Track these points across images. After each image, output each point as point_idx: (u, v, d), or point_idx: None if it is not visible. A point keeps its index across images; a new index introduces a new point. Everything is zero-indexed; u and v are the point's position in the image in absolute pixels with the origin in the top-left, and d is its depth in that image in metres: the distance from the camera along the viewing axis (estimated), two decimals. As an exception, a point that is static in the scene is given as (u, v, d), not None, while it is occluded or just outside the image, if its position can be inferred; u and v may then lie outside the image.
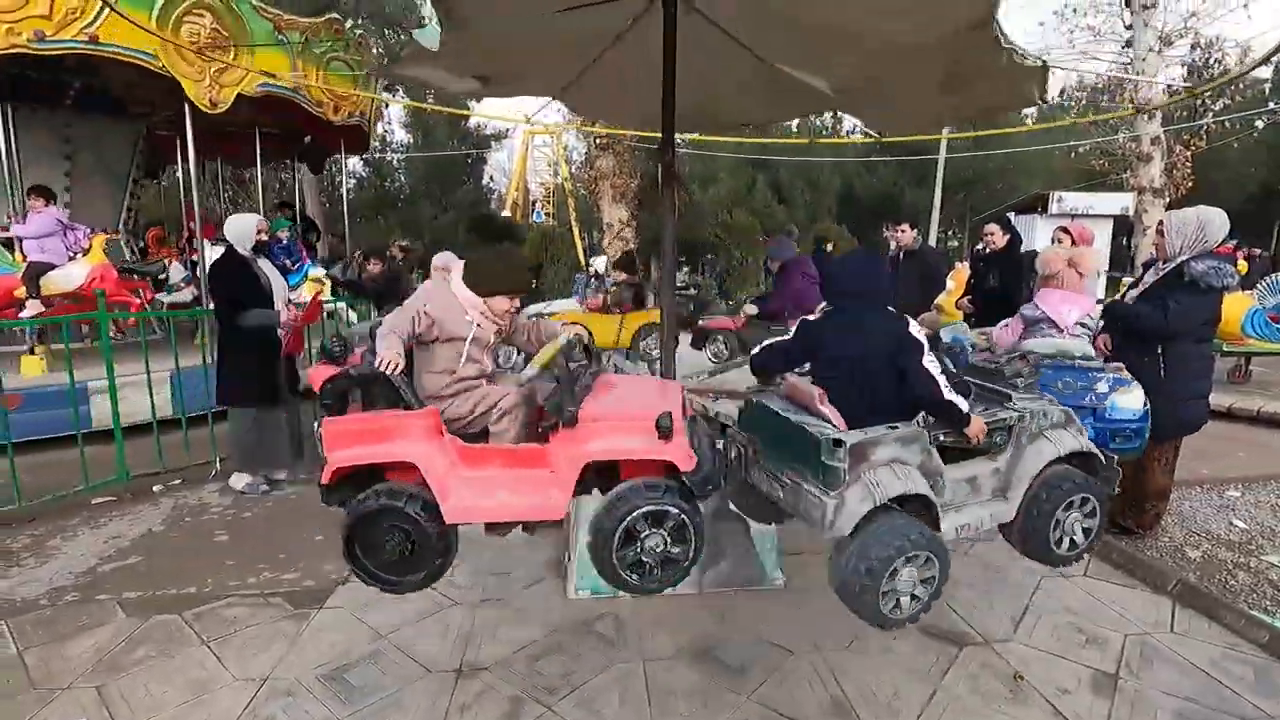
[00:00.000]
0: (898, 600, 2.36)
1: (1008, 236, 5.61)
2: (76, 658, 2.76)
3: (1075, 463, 2.68)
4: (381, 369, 2.31)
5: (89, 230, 6.60)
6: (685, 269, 23.84)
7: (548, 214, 22.44)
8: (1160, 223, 3.58)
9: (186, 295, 7.91)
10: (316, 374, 2.45)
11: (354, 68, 7.75)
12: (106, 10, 5.41)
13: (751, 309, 8.20)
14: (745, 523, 3.22)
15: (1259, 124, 24.96)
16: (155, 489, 4.55)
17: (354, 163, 24.77)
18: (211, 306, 4.49)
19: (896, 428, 2.44)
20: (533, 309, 9.62)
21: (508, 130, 25.18)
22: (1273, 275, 7.95)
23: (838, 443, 2.32)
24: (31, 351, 5.99)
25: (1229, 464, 5.05)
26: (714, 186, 24.73)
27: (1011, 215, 13.88)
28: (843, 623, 2.98)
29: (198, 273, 7.46)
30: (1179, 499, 4.24)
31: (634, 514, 2.30)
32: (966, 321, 5.33)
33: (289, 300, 4.54)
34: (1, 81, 6.29)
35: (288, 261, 7.91)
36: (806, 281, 7.97)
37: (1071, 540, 2.67)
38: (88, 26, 5.45)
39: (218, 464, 4.82)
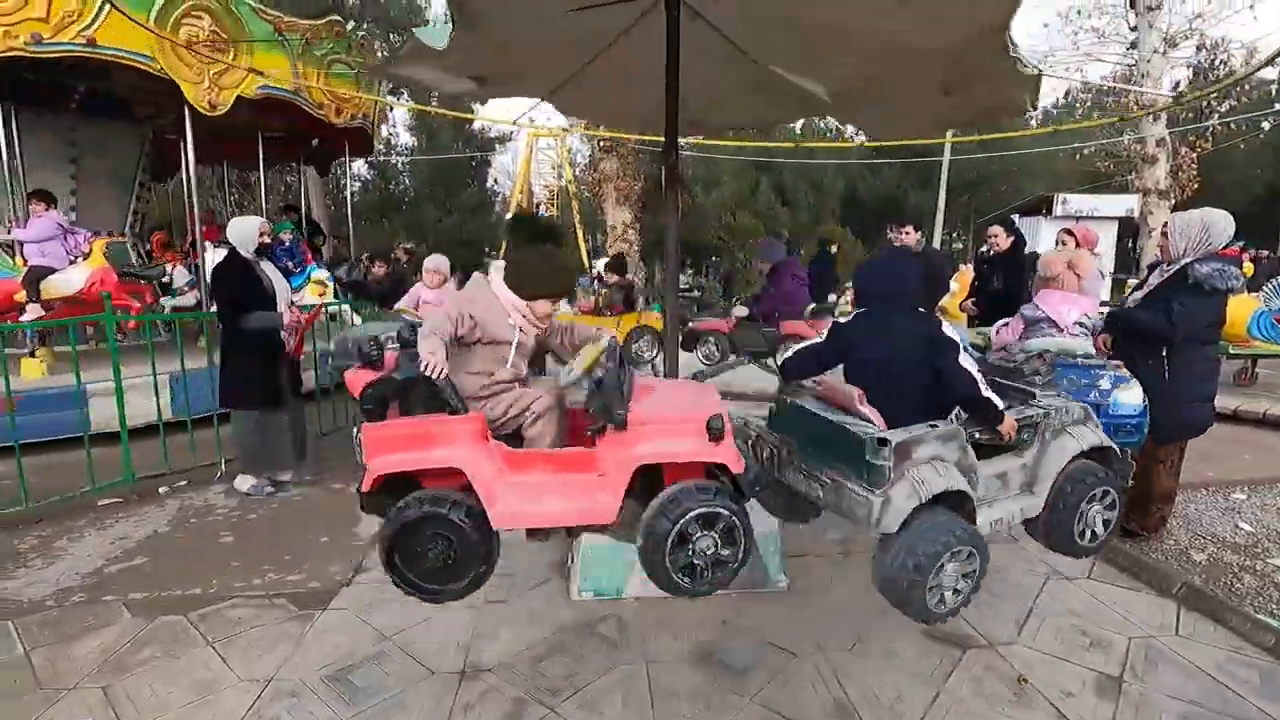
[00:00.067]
0: (941, 595, 2.43)
1: (1011, 239, 5.62)
2: (83, 658, 2.77)
3: (1093, 457, 2.80)
4: (427, 372, 2.28)
5: (89, 234, 6.62)
6: (690, 271, 23.85)
7: (552, 216, 22.46)
8: (1165, 225, 3.58)
9: (190, 299, 7.94)
10: (355, 379, 2.42)
11: (356, 70, 7.75)
12: (104, 13, 5.42)
13: (742, 310, 8.21)
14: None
15: (1265, 125, 24.87)
16: (161, 490, 4.57)
17: (359, 166, 24.88)
18: (214, 309, 4.50)
19: (936, 426, 2.49)
20: None
21: (512, 133, 25.23)
22: (1279, 277, 7.92)
23: (882, 442, 2.36)
24: (32, 354, 6.01)
25: (1235, 466, 5.02)
26: (717, 189, 24.74)
27: (1016, 217, 13.84)
28: (846, 625, 2.99)
29: (203, 275, 7.46)
30: (1184, 502, 4.22)
31: (688, 516, 2.30)
32: (970, 324, 5.34)
33: (291, 302, 4.56)
34: (5, 85, 6.31)
35: (290, 264, 7.93)
36: (796, 283, 8.01)
37: (1093, 532, 2.79)
38: (85, 29, 5.45)
39: (223, 466, 4.84)
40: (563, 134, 15.73)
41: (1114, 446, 2.85)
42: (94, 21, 5.47)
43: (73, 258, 6.29)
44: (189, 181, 7.03)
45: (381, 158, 25.72)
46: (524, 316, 2.63)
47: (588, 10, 2.98)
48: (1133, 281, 5.23)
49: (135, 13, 5.44)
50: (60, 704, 2.50)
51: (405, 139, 28.38)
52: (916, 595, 2.37)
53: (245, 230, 4.33)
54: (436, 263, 5.69)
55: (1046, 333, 3.65)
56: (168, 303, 7.90)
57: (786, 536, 3.37)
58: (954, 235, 30.74)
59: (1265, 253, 16.70)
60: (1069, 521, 2.73)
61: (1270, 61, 4.83)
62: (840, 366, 2.93)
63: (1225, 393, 6.40)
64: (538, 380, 2.82)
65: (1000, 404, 2.58)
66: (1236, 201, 20.46)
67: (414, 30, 3.01)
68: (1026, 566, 3.52)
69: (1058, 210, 14.08)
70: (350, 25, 8.00)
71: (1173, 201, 12.74)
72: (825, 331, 2.97)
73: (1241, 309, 6.76)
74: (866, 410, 2.54)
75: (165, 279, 8.41)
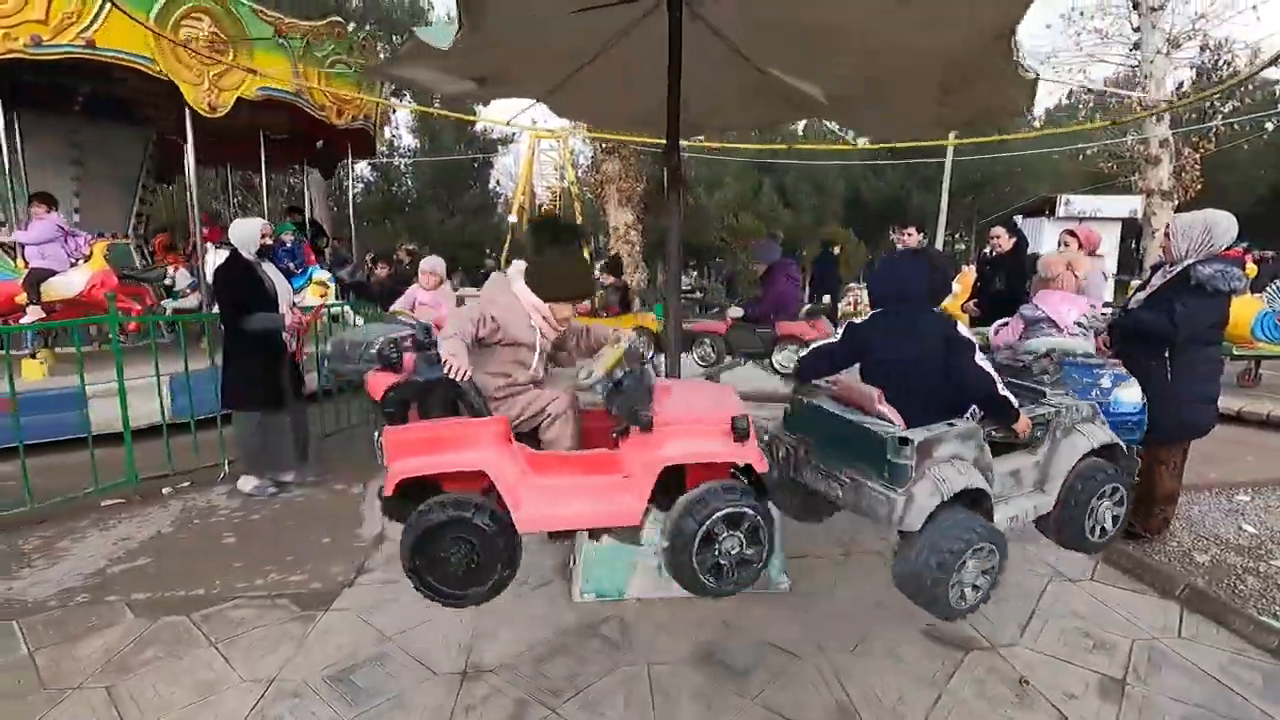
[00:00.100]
0: (962, 591, 2.47)
1: (1013, 240, 5.62)
2: (86, 658, 2.78)
3: (1100, 454, 2.86)
4: (453, 375, 2.27)
5: (90, 237, 6.63)
6: (694, 273, 23.86)
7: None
8: (1167, 226, 3.58)
9: (192, 301, 7.97)
10: (376, 381, 2.41)
11: (353, 68, 7.72)
12: (104, 15, 5.41)
13: (737, 312, 8.22)
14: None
15: (1269, 126, 24.80)
16: (164, 491, 4.58)
17: (362, 167, 24.93)
18: (216, 310, 4.50)
19: (954, 424, 2.53)
20: None
21: (514, 135, 25.25)
22: (1283, 278, 7.90)
23: (904, 441, 2.39)
24: (33, 356, 6.02)
25: (1238, 468, 5.01)
26: (720, 190, 24.77)
27: (1019, 218, 13.82)
28: (847, 626, 2.99)
29: (203, 277, 7.46)
30: (1187, 503, 4.21)
31: (714, 517, 2.30)
32: (972, 324, 5.33)
33: (293, 304, 4.56)
34: (6, 88, 6.30)
35: (291, 265, 7.94)
36: (790, 284, 8.05)
37: (1102, 528, 2.87)
38: (84, 31, 5.44)
39: (226, 466, 4.85)
40: (565, 136, 15.73)
41: (1121, 443, 2.92)
42: (93, 23, 5.46)
43: (73, 260, 6.30)
44: (190, 183, 7.04)
45: (384, 159, 25.76)
46: (544, 318, 2.63)
47: (589, 12, 2.98)
48: (1136, 283, 5.22)
49: (135, 11, 5.44)
50: (64, 704, 2.51)
51: (408, 141, 28.47)
52: (940, 592, 2.41)
53: (247, 232, 4.34)
54: (432, 264, 5.66)
55: (1046, 332, 3.69)
56: (169, 305, 7.91)
57: (788, 538, 3.37)
58: (957, 236, 30.69)
59: (1269, 254, 16.62)
60: (1080, 518, 2.79)
61: (1274, 62, 4.82)
62: (855, 366, 2.97)
63: (1229, 394, 6.38)
64: (553, 381, 2.82)
65: (1016, 402, 2.64)
66: (1240, 202, 20.41)
67: (415, 30, 3.00)
68: (1029, 568, 3.51)
69: (1061, 211, 14.05)
70: (351, 27, 8.00)
71: (1176, 202, 12.71)
72: (840, 331, 3.01)
73: (1245, 310, 6.74)
74: (886, 410, 2.57)
75: (167, 281, 8.43)
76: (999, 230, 5.66)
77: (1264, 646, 2.85)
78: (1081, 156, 23.46)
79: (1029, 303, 3.97)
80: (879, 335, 2.81)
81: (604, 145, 13.57)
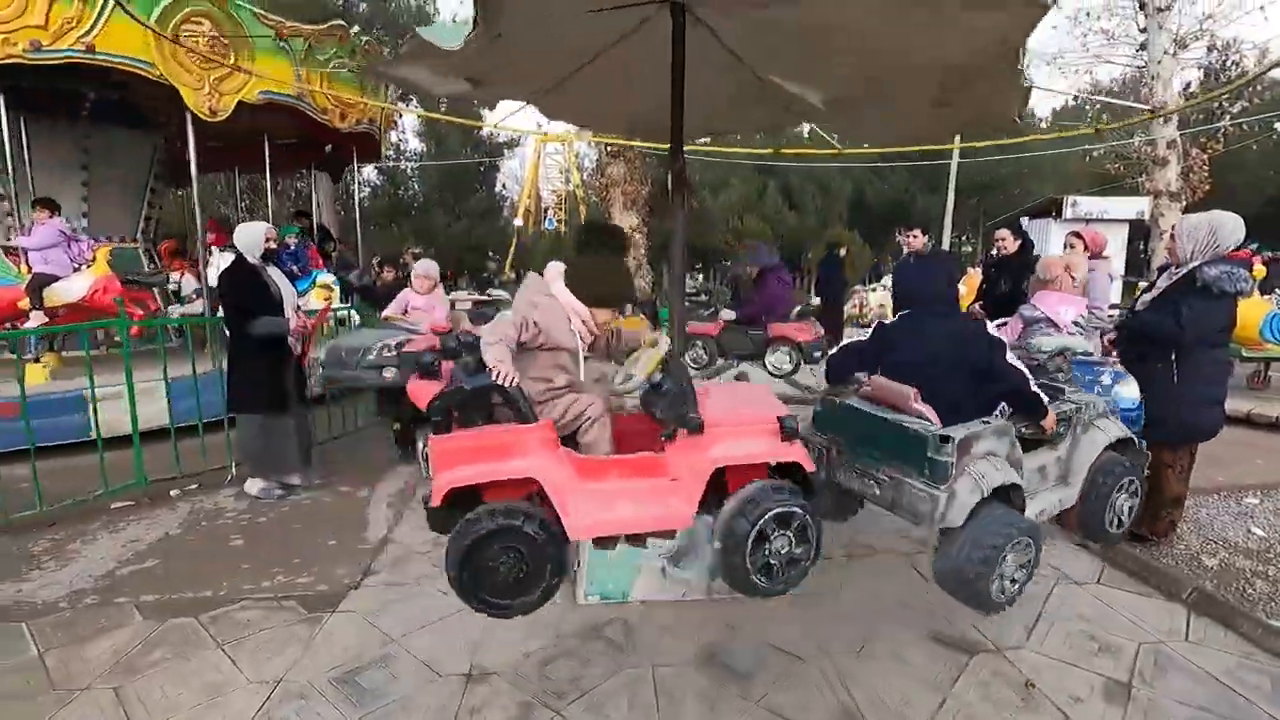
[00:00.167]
0: (1003, 585, 2.54)
1: (1019, 242, 5.62)
2: (95, 659, 2.80)
3: (1114, 448, 2.98)
4: (501, 381, 2.26)
5: (93, 241, 6.67)
6: (699, 276, 23.85)
7: (560, 221, 22.53)
8: (1173, 228, 3.57)
9: (198, 307, 8.01)
10: (419, 390, 2.40)
11: (348, 69, 7.70)
12: (103, 20, 5.44)
13: (729, 314, 8.23)
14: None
15: (1278, 126, 24.62)
16: (172, 494, 4.61)
17: (368, 171, 25.04)
18: (221, 314, 4.53)
19: (989, 422, 2.58)
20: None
21: (519, 138, 25.34)
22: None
23: (944, 439, 2.43)
24: (37, 360, 6.05)
25: (1246, 470, 4.98)
26: (725, 193, 24.78)
27: (1025, 220, 13.77)
28: (852, 629, 2.99)
29: (205, 280, 7.46)
30: (1195, 506, 4.19)
31: (767, 516, 2.30)
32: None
33: (298, 307, 4.58)
34: (12, 93, 6.33)
35: (295, 268, 7.97)
36: (782, 287, 8.08)
37: (1119, 519, 2.99)
38: (84, 36, 5.48)
39: (233, 469, 4.88)
40: (570, 139, 15.78)
41: (1134, 438, 3.03)
42: (93, 28, 5.50)
43: (76, 265, 6.33)
44: (193, 188, 7.08)
45: (390, 163, 25.87)
46: (584, 322, 2.63)
47: (591, 15, 2.99)
48: (1143, 284, 5.20)
49: (139, 12, 5.46)
50: (73, 705, 2.53)
51: (414, 144, 28.58)
52: (983, 586, 2.47)
53: (251, 236, 4.35)
54: (426, 268, 5.62)
55: (1045, 332, 3.74)
56: (176, 310, 7.95)
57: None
58: (963, 239, 30.59)
59: (1278, 255, 16.52)
60: (1100, 511, 2.90)
61: (1281, 62, 4.79)
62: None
63: (1238, 396, 6.35)
64: (589, 385, 2.82)
65: (1046, 399, 2.72)
66: (1249, 203, 20.25)
67: (418, 29, 2.99)
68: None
69: (1067, 213, 13.97)
70: (355, 30, 8.01)
71: (1184, 204, 12.63)
72: (870, 331, 3.07)
73: (1254, 312, 6.71)
74: (923, 408, 2.60)
75: (173, 287, 8.47)
76: (1004, 232, 5.66)
77: (1272, 650, 2.83)
78: (1088, 158, 23.32)
79: (1027, 303, 4.06)
80: (908, 335, 2.86)
81: (609, 149, 13.60)
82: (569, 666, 2.75)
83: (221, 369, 4.65)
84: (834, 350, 3.14)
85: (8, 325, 6.08)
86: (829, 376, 3.14)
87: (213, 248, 8.44)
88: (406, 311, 5.40)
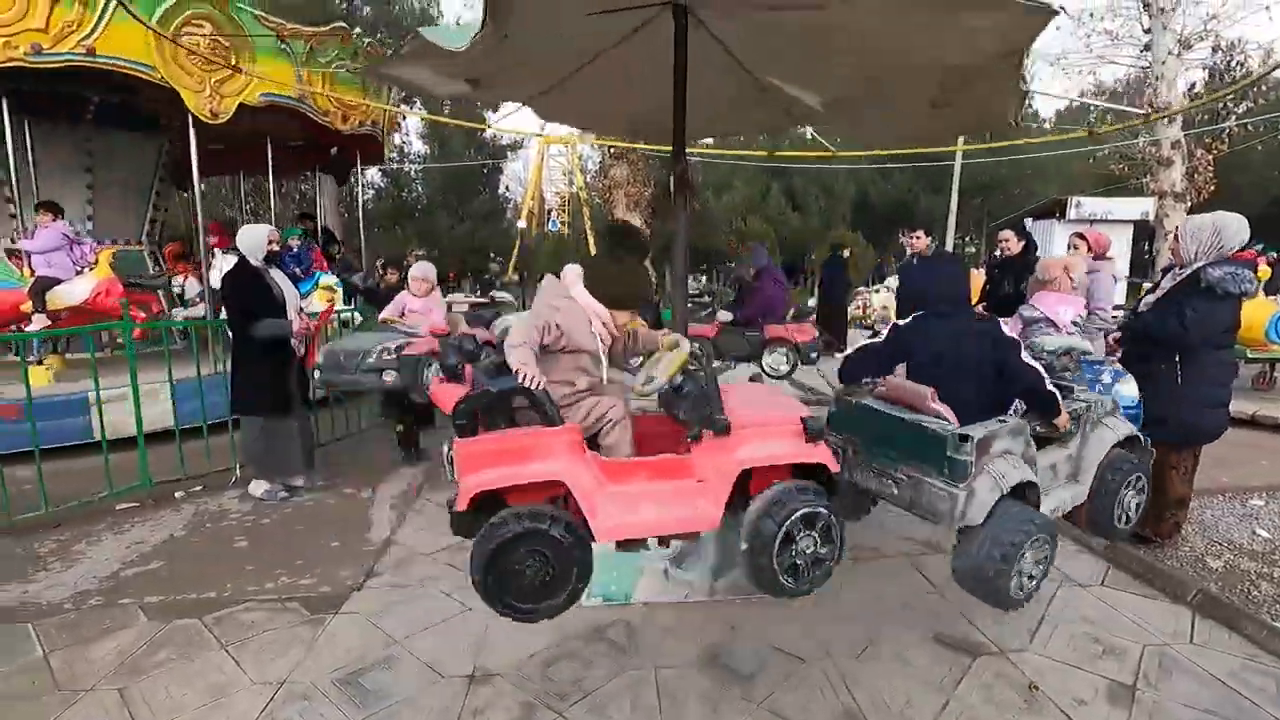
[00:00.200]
0: (1021, 582, 2.56)
1: (1022, 243, 5.61)
2: (100, 660, 2.81)
3: (1121, 445, 3.01)
4: (528, 384, 2.25)
5: (95, 245, 6.68)
6: (703, 277, 23.85)
7: (563, 223, 22.58)
8: (1176, 228, 3.56)
9: (201, 310, 8.03)
10: (443, 394, 2.39)
11: (350, 72, 7.68)
12: (104, 23, 5.45)
13: (725, 315, 8.24)
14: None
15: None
16: (177, 495, 4.63)
17: (372, 174, 25.11)
18: (224, 317, 4.54)
19: (1005, 421, 2.61)
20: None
21: (523, 140, 25.40)
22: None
23: (964, 438, 2.44)
24: (40, 362, 6.06)
25: (1251, 472, 4.96)
26: (728, 194, 24.78)
27: (1029, 221, 13.73)
28: (855, 631, 2.98)
29: (208, 282, 7.46)
30: (1200, 508, 4.17)
31: (793, 517, 2.30)
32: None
33: (300, 309, 4.59)
34: (12, 95, 6.35)
35: (297, 269, 7.97)
36: (777, 288, 8.10)
37: (1127, 515, 3.03)
38: (85, 39, 5.48)
39: (237, 471, 4.90)
40: (574, 141, 15.81)
41: (1140, 435, 3.07)
42: (93, 31, 5.51)
43: (79, 268, 6.35)
44: (195, 190, 7.09)
45: (394, 166, 25.94)
46: (604, 324, 2.64)
47: (594, 16, 3.00)
48: (1147, 285, 5.19)
49: (142, 13, 5.47)
50: (77, 705, 2.54)
51: (418, 147, 28.68)
52: (1002, 583, 2.49)
53: (254, 238, 4.36)
54: (423, 270, 5.56)
55: (1045, 332, 3.76)
56: (180, 313, 7.97)
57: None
58: (967, 239, 30.54)
59: (1285, 255, 16.44)
60: (1109, 507, 2.93)
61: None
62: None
63: (1243, 398, 6.32)
64: (609, 388, 2.82)
65: (1060, 397, 2.75)
66: (1254, 204, 20.18)
67: (420, 30, 2.99)
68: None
69: (1071, 214, 13.93)
70: (357, 32, 8.01)
71: (1189, 204, 12.58)
72: (885, 333, 3.08)
73: (1259, 312, 6.68)
74: (940, 408, 2.61)
75: (177, 290, 8.49)
76: (1008, 233, 5.65)
77: (1277, 652, 2.82)
78: (1092, 159, 23.27)
79: (1026, 303, 4.10)
80: (924, 336, 2.87)
81: (612, 151, 13.62)
82: (572, 668, 2.76)
83: (225, 371, 4.66)
84: (849, 351, 3.15)
85: (11, 328, 6.10)
86: (844, 377, 3.15)
87: (216, 250, 8.45)
88: (404, 314, 5.38)
